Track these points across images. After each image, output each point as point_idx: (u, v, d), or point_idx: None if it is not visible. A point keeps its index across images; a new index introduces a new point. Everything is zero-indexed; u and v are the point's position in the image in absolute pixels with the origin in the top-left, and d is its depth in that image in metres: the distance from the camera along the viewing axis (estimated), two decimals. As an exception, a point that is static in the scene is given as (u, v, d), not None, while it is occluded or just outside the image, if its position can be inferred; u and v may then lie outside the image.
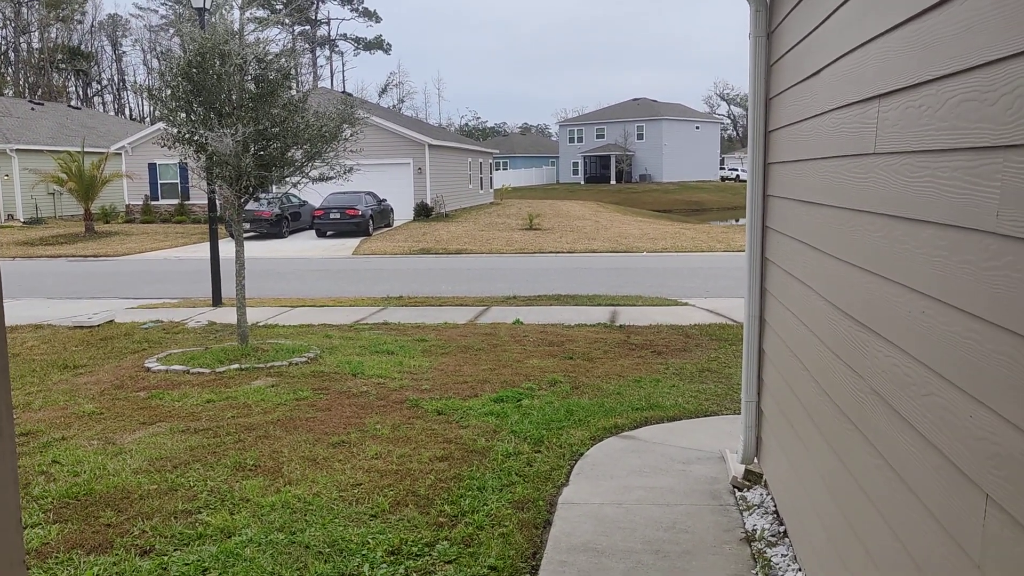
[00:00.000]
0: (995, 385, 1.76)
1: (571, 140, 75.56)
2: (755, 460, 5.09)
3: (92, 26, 78.87)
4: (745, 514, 4.66)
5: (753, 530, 4.43)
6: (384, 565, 4.08)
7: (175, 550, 4.30)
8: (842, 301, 3.02)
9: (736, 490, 5.03)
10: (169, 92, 8.89)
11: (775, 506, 4.63)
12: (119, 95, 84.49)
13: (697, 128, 73.48)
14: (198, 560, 4.15)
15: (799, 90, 3.87)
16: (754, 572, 3.99)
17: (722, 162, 79.07)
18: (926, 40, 2.19)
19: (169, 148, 9.22)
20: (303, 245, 26.03)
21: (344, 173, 9.73)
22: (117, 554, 4.26)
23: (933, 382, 2.10)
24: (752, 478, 5.05)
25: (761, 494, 4.86)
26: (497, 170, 60.10)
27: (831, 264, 3.20)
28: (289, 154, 9.28)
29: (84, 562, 4.18)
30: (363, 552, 4.21)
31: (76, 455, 5.83)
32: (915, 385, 2.22)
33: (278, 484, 5.20)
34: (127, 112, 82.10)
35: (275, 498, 4.94)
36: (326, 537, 4.39)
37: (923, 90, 2.19)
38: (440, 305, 13.20)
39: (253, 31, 9.32)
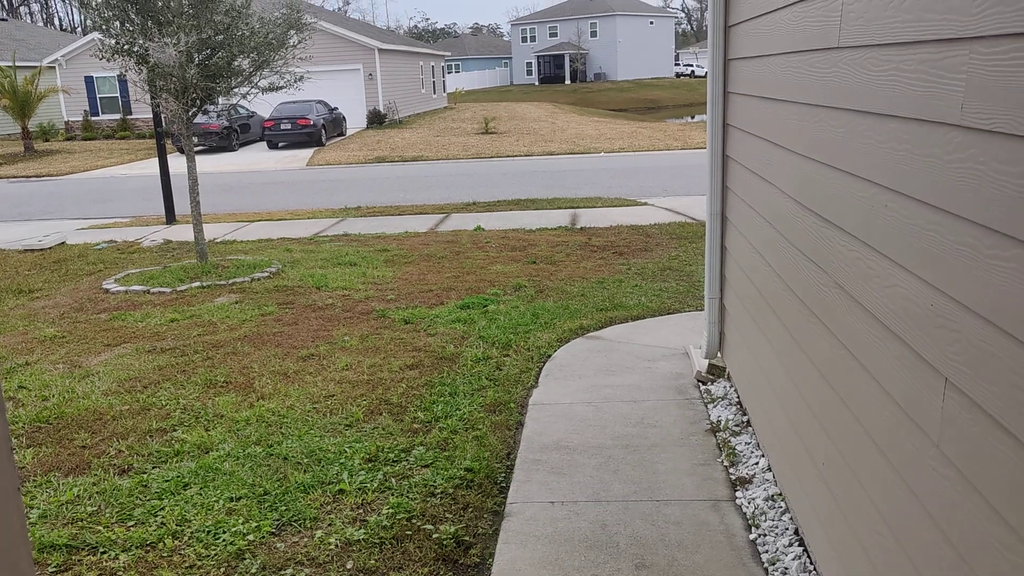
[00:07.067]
0: (956, 274, 1.82)
1: (524, 40, 73.73)
2: (719, 355, 5.24)
3: (10, -71, 73.84)
4: (710, 406, 4.83)
5: (718, 421, 4.60)
6: (362, 472, 4.17)
7: (153, 468, 4.34)
8: (805, 197, 3.06)
9: (701, 384, 5.19)
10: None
11: (738, 397, 4.80)
12: (47, 4, 79.98)
13: (651, 23, 72.12)
14: (177, 476, 4.20)
15: (760, -17, 3.80)
16: (720, 460, 4.17)
17: (677, 58, 78.06)
18: (892, -72, 2.15)
19: (108, 60, 8.81)
20: (255, 158, 25.40)
21: (295, 82, 9.46)
22: (96, 474, 4.29)
23: (896, 274, 2.16)
24: (716, 372, 5.21)
25: (725, 387, 5.03)
26: (450, 73, 58.69)
27: (794, 160, 3.22)
28: (235, 64, 8.96)
29: (63, 484, 4.21)
30: (341, 461, 4.30)
31: (42, 380, 5.79)
32: (878, 277, 2.29)
33: (251, 399, 5.24)
34: (56, 22, 77.97)
35: (249, 413, 4.99)
36: (303, 448, 4.47)
37: (889, -19, 2.17)
38: (400, 214, 13.09)
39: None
